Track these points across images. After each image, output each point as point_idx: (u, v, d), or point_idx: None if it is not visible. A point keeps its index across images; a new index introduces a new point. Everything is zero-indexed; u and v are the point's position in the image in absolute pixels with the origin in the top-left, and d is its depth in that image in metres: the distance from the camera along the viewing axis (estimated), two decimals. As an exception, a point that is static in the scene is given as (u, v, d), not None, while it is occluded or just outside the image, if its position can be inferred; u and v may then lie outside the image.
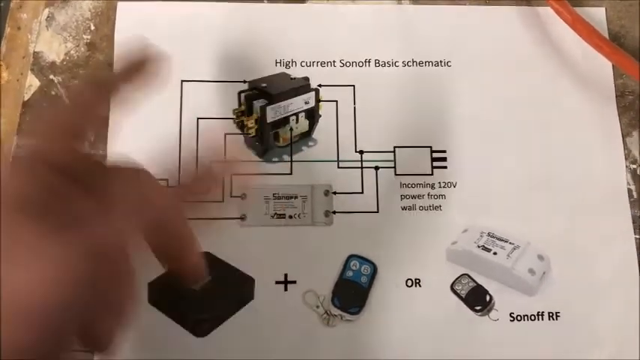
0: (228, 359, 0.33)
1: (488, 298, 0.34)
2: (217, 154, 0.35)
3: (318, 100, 0.37)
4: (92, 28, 0.38)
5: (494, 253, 0.35)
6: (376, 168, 0.36)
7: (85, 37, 0.38)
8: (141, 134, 0.36)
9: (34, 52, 0.37)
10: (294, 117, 0.37)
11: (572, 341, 0.34)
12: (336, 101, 0.37)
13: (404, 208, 0.36)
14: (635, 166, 0.37)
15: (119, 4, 0.38)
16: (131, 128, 0.36)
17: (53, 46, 0.38)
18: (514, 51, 0.39)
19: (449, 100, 0.38)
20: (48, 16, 0.38)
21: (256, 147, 0.36)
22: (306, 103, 0.37)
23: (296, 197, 0.36)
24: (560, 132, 0.37)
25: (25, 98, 0.37)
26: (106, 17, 0.38)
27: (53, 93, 0.37)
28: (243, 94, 0.37)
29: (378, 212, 0.36)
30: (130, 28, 0.38)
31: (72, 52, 0.38)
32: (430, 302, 0.34)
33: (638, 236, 0.36)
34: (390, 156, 0.36)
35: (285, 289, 0.34)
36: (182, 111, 0.36)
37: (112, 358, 0.33)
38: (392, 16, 0.39)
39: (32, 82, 0.37)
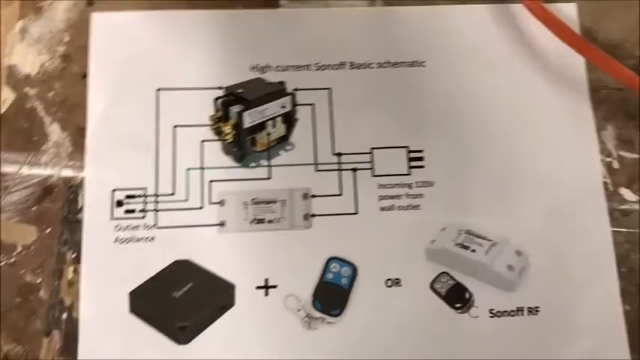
0: (211, 365, 0.33)
1: (467, 295, 0.35)
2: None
3: (294, 104, 0.37)
4: (66, 39, 0.38)
5: (473, 251, 0.35)
6: (354, 170, 0.37)
7: (59, 48, 0.38)
8: (117, 144, 0.36)
9: (9, 66, 0.37)
10: (271, 122, 0.37)
11: (552, 335, 0.34)
12: (313, 105, 0.37)
13: (382, 209, 0.36)
14: (610, 160, 0.37)
15: (93, 14, 0.38)
16: (108, 138, 0.36)
17: (27, 59, 0.38)
18: (488, 49, 0.39)
19: (424, 100, 0.38)
20: (21, 29, 0.38)
21: (234, 153, 0.36)
22: (283, 107, 0.37)
23: (275, 202, 0.36)
24: (535, 128, 0.38)
25: (1, 112, 0.37)
26: (80, 28, 0.38)
27: (28, 106, 0.37)
28: (219, 101, 0.37)
29: (357, 214, 0.36)
30: (105, 39, 0.38)
31: (47, 64, 0.38)
32: (410, 301, 0.34)
33: (614, 229, 0.36)
34: (368, 157, 0.37)
35: (266, 294, 0.34)
36: (158, 119, 0.36)
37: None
38: (366, 18, 0.39)
39: (7, 96, 0.37)
